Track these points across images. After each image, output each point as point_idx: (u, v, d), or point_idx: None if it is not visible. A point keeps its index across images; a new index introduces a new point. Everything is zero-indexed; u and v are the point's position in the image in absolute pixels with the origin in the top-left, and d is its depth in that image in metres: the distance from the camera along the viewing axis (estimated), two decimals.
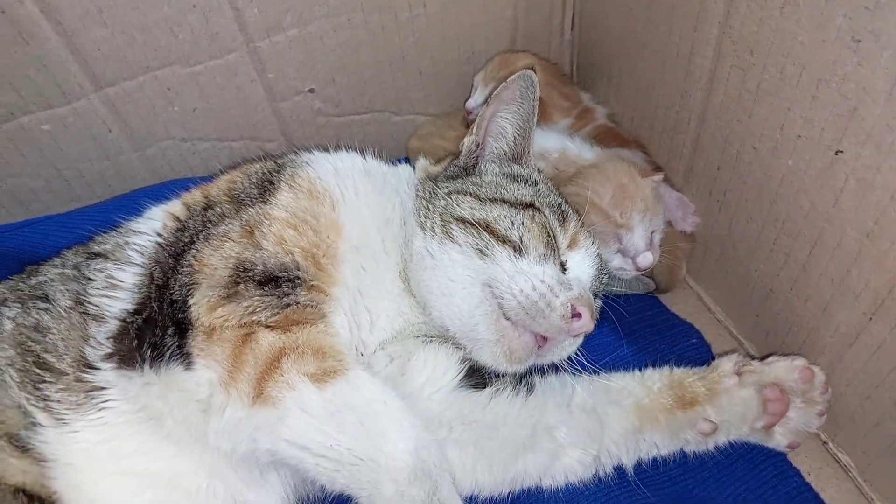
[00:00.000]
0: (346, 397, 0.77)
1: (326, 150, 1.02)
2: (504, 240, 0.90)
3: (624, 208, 1.07)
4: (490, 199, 0.96)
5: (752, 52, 0.90)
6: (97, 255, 0.92)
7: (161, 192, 1.00)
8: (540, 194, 1.00)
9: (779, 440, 1.00)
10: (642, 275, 1.28)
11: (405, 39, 1.28)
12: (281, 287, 0.83)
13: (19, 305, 0.87)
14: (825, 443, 1.06)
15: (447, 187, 0.98)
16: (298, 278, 0.85)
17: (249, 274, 0.83)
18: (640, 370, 1.03)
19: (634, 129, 1.29)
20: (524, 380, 0.99)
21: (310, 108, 1.32)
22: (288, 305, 0.82)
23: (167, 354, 0.79)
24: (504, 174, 1.02)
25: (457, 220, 0.93)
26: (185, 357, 0.79)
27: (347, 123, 1.39)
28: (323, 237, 0.89)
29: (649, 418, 0.98)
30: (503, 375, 0.97)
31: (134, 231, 0.94)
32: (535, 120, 1.03)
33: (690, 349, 1.15)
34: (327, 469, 0.75)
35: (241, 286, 0.82)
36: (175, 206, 0.96)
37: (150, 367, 0.79)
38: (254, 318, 0.80)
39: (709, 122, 1.05)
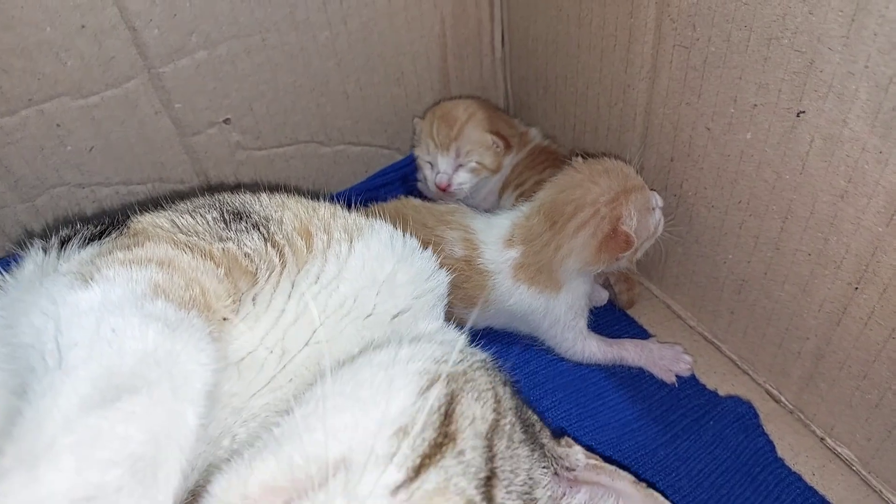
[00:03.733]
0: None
1: None
2: None
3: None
4: None
5: (694, 27, 0.86)
6: None
7: None
8: None
9: None
10: (602, 284, 1.21)
11: (326, 61, 1.20)
12: (239, 222, 0.68)
13: None
14: (822, 438, 0.98)
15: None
16: (267, 228, 0.69)
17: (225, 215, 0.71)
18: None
19: (577, 138, 1.24)
20: None
21: (227, 142, 1.20)
22: (222, 239, 0.65)
23: None
24: None
25: None
26: None
27: (270, 157, 1.27)
28: (326, 219, 0.75)
29: None
30: None
31: None
32: None
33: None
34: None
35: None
36: None
37: None
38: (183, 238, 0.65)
39: (655, 112, 1.01)
